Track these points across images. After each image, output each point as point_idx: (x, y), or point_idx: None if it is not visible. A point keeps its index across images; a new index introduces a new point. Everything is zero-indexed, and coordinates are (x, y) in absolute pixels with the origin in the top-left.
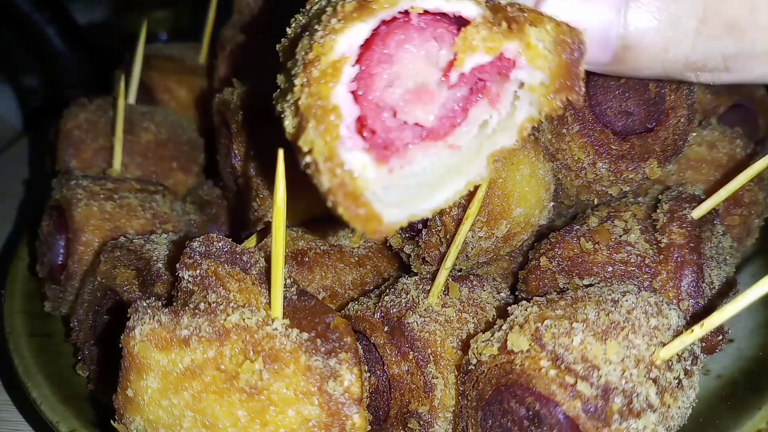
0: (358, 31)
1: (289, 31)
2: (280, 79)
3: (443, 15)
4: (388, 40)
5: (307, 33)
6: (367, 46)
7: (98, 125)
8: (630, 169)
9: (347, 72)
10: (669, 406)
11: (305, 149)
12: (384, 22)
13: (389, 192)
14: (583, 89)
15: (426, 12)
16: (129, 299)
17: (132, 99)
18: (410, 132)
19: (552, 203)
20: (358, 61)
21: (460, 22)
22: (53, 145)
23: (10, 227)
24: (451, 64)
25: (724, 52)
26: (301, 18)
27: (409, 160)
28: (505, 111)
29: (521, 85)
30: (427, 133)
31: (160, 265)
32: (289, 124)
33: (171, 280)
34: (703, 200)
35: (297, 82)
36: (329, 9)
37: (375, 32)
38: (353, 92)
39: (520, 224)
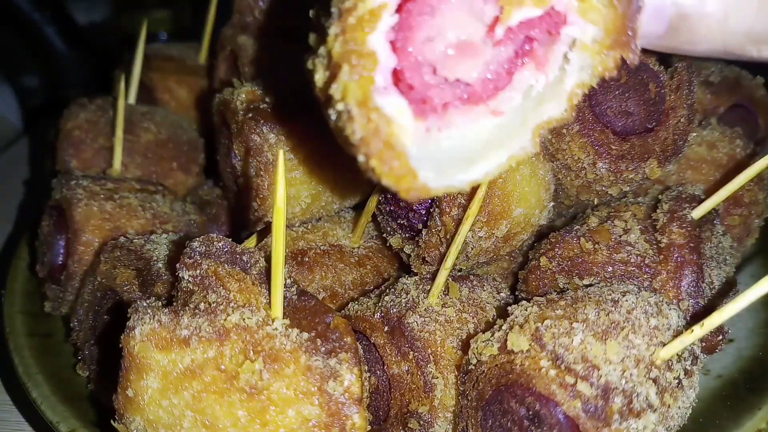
0: None
1: None
2: (312, 38)
3: None
4: None
5: None
6: None
7: (98, 125)
8: (630, 169)
9: (386, 20)
10: (669, 406)
11: (337, 96)
12: None
13: (425, 155)
14: (640, 48)
15: None
16: (129, 299)
17: (132, 99)
18: (450, 91)
19: (552, 203)
20: (398, 11)
21: None
22: (53, 145)
23: (10, 227)
24: (497, 20)
25: None
26: None
27: (448, 122)
28: (553, 75)
29: (572, 44)
30: (469, 95)
31: (160, 265)
32: (319, 77)
33: (171, 280)
34: (703, 200)
35: (331, 32)
36: None
37: None
38: (391, 43)
39: (520, 224)
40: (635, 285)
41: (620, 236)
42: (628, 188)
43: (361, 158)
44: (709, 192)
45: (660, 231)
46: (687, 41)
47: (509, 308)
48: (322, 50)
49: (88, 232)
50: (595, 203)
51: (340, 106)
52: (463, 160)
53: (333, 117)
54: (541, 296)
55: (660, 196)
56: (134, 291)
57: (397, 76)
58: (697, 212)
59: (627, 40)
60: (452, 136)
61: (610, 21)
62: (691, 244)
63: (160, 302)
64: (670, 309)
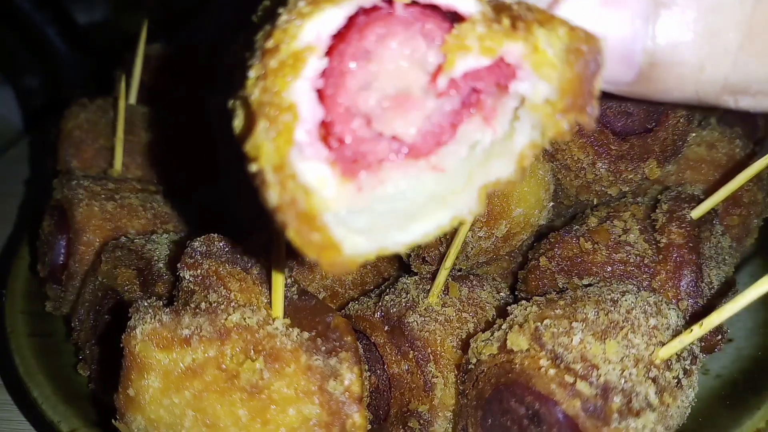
0: (330, 18)
1: (254, 18)
2: (237, 72)
3: (434, 8)
4: (367, 33)
5: (270, 18)
6: (340, 37)
7: (99, 125)
8: (629, 169)
9: (312, 65)
10: (668, 406)
11: (252, 154)
12: (363, 11)
13: (357, 216)
14: (597, 111)
15: (414, 3)
16: (130, 299)
17: (133, 99)
18: (386, 146)
19: (551, 203)
20: (327, 54)
21: (455, 19)
22: (54, 146)
23: (11, 227)
24: (440, 68)
25: None
26: (268, 2)
27: (383, 180)
28: (502, 130)
29: (522, 101)
30: (407, 149)
31: (161, 265)
32: (237, 124)
33: (172, 280)
34: (702, 200)
35: (251, 74)
36: None
37: (351, 21)
38: (319, 91)
39: (520, 224)
40: (634, 285)
41: (619, 236)
42: (628, 188)
43: (278, 224)
44: (709, 192)
45: (659, 231)
46: (658, 90)
47: (509, 308)
48: (241, 93)
49: (89, 232)
50: (595, 203)
51: (254, 167)
52: (401, 219)
53: (250, 173)
54: (541, 296)
55: (659, 196)
56: (135, 291)
57: (324, 128)
58: (696, 212)
59: (582, 104)
60: (387, 193)
61: (564, 80)
62: (690, 244)
63: (161, 302)
64: (669, 309)
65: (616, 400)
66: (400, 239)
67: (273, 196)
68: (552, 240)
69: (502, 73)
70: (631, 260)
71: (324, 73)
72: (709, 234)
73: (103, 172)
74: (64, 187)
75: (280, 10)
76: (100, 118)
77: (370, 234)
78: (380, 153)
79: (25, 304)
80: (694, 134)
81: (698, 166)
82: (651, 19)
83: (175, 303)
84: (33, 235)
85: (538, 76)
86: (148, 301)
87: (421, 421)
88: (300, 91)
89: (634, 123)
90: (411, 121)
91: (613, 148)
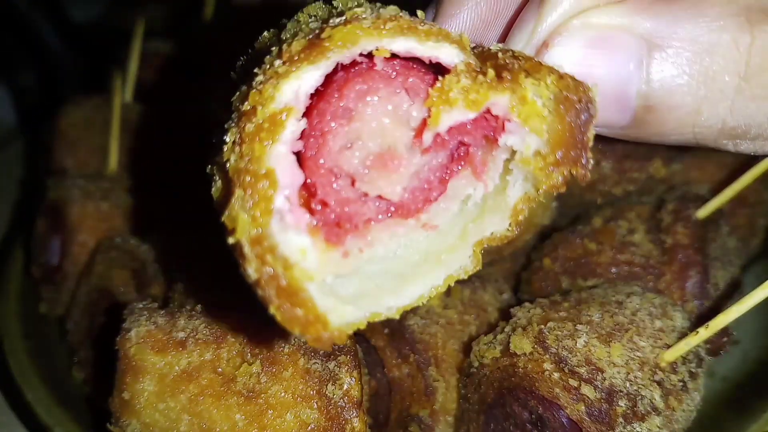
0: (308, 77)
1: (233, 75)
2: (214, 134)
3: (416, 61)
4: (346, 90)
5: (246, 78)
6: (319, 96)
7: (94, 124)
8: (634, 168)
9: (291, 127)
10: (674, 409)
11: (228, 226)
12: (341, 67)
13: (345, 282)
14: (591, 162)
15: (395, 56)
16: (125, 300)
17: (129, 97)
18: (372, 206)
19: (555, 203)
20: (306, 115)
21: (438, 71)
22: (49, 144)
23: (5, 228)
24: (424, 123)
25: None
26: (244, 60)
27: (371, 242)
28: (493, 184)
29: (513, 154)
30: (395, 208)
31: (157, 266)
32: (215, 190)
33: (168, 282)
34: (708, 200)
35: (228, 138)
36: (274, 49)
37: (329, 79)
38: (298, 153)
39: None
40: (639, 286)
41: (624, 236)
42: (633, 188)
43: (259, 298)
44: (714, 191)
45: (665, 231)
46: (655, 133)
47: (512, 310)
48: (218, 159)
49: (83, 232)
50: (599, 203)
51: (230, 240)
52: (393, 282)
53: (228, 244)
54: (545, 298)
55: (664, 196)
56: (130, 292)
57: (306, 192)
58: (702, 212)
59: (576, 156)
60: (377, 255)
61: (555, 132)
62: (696, 245)
63: (156, 304)
64: (674, 310)
65: (621, 404)
66: (393, 303)
67: (252, 271)
68: (556, 240)
69: (489, 126)
70: (637, 261)
71: (303, 134)
72: (715, 234)
73: (98, 172)
74: (59, 187)
75: (256, 70)
76: (96, 116)
77: (361, 301)
78: (366, 214)
79: (19, 305)
80: None
81: (704, 165)
82: (644, 62)
83: (171, 305)
84: (27, 235)
85: (527, 129)
86: (143, 302)
87: (422, 426)
88: (278, 156)
89: None
90: (397, 179)
91: (618, 146)
